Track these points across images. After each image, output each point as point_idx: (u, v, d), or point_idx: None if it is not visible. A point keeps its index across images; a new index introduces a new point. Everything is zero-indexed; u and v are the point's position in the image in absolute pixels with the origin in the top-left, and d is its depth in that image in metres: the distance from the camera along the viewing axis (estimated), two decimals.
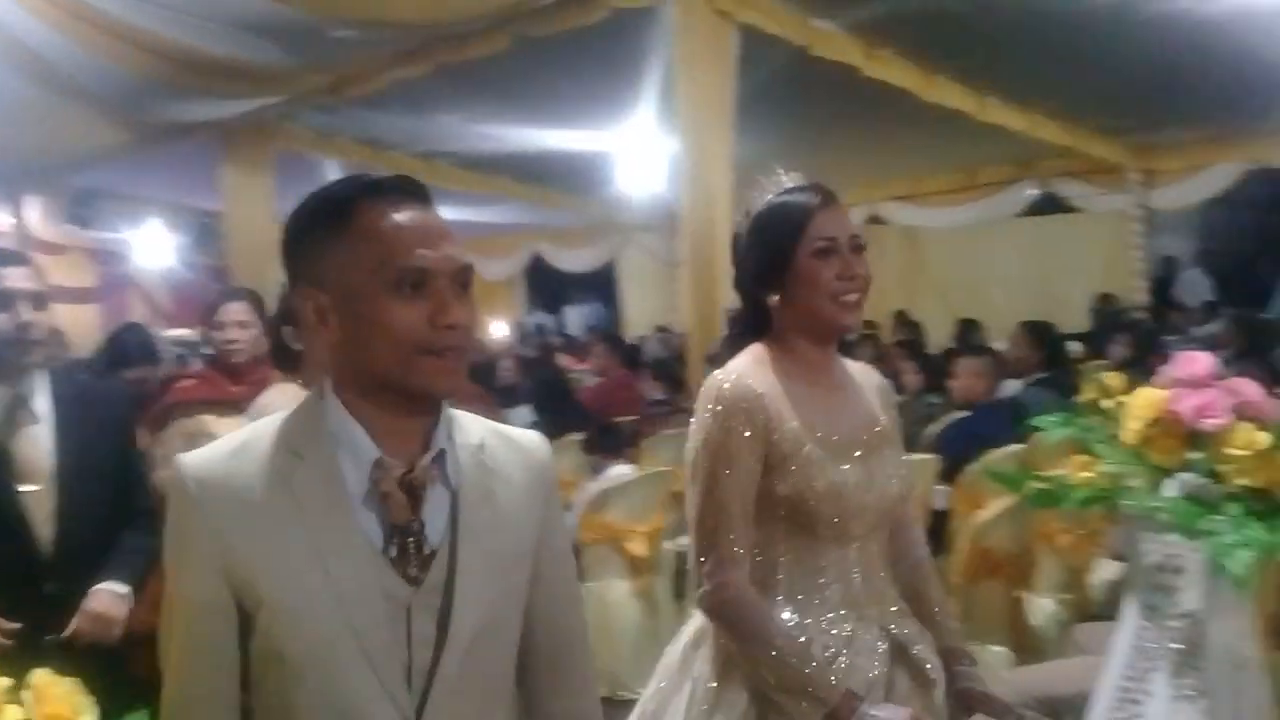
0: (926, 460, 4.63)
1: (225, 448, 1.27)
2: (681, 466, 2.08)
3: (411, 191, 1.28)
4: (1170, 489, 2.19)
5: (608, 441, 5.13)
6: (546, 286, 17.22)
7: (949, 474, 4.59)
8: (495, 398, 5.39)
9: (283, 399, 2.76)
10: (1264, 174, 9.67)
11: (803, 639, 1.83)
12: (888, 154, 9.17)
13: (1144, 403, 2.16)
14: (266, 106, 7.27)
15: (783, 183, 1.97)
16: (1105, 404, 2.25)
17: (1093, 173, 9.62)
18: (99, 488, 2.48)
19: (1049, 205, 10.69)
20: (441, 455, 1.29)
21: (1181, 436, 2.15)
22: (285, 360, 2.97)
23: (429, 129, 8.23)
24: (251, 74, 6.38)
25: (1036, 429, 4.25)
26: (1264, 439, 2.09)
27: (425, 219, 1.26)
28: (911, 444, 5.35)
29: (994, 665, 3.50)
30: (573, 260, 13.24)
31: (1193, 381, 2.11)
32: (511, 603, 1.36)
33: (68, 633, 2.36)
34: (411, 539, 1.26)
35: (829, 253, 1.87)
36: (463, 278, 1.26)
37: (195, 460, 1.26)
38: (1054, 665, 3.28)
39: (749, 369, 1.89)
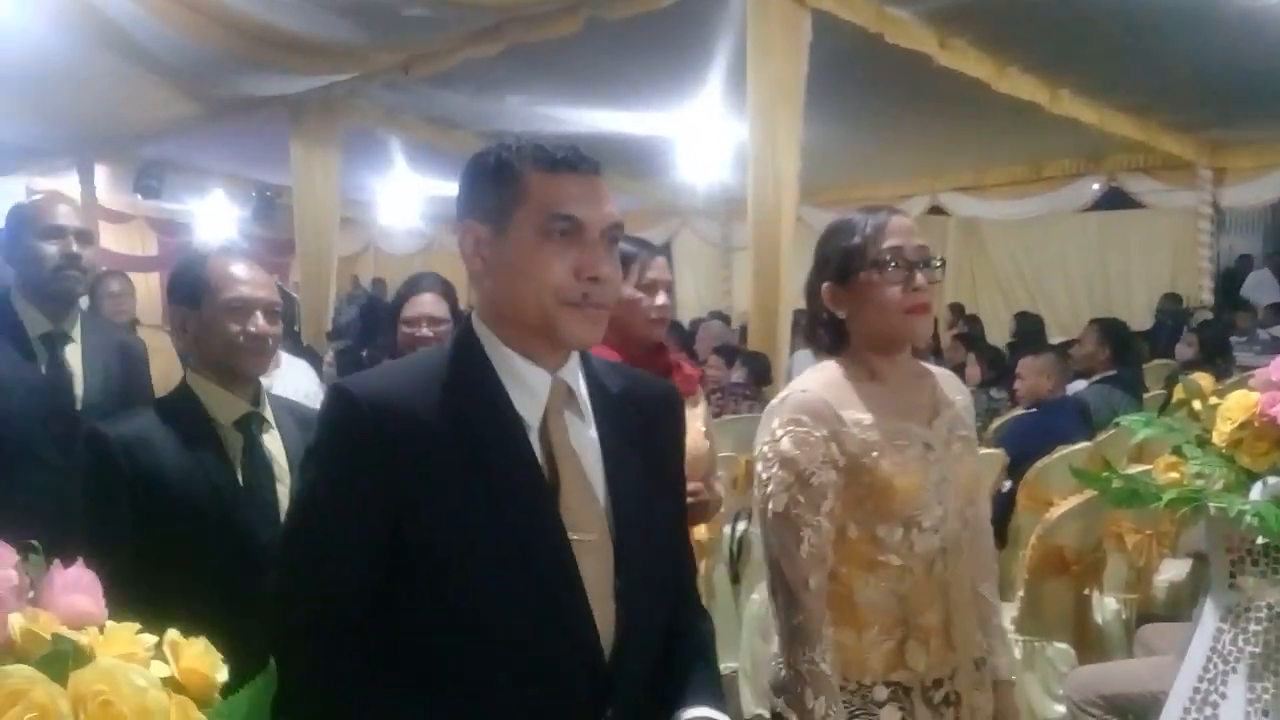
0: (993, 455, 4.59)
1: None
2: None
3: None
4: (1257, 492, 2.16)
5: None
6: None
7: (1014, 470, 4.55)
8: None
9: None
10: None
11: None
12: (952, 144, 9.06)
13: (1237, 405, 2.14)
14: (335, 83, 7.35)
15: None
16: (1196, 406, 2.23)
17: (1162, 168, 9.47)
18: (659, 541, 1.35)
19: (1115, 200, 10.52)
20: None
21: (1273, 440, 2.13)
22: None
23: (496, 109, 8.26)
24: (324, 51, 6.44)
25: (1105, 427, 4.19)
26: None
27: None
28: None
29: (1057, 662, 3.48)
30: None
31: None
32: None
33: None
34: None
35: None
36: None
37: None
38: (1121, 664, 3.25)
39: None
